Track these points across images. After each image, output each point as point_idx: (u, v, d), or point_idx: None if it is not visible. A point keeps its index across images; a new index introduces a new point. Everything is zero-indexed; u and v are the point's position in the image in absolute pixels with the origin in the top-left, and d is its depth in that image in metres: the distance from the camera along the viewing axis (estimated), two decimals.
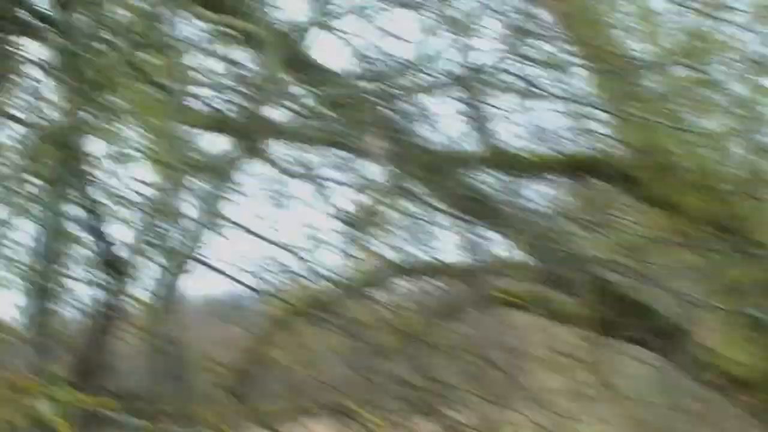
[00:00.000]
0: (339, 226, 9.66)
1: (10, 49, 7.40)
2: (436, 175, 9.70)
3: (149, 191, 8.07)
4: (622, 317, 10.80)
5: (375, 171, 9.70)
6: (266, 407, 9.29)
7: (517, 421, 10.89)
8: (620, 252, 10.93)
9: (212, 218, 8.28)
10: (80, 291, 7.68)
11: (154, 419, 7.68)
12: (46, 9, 7.36)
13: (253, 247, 9.08)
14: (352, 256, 9.68)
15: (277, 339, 10.00)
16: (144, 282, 7.81)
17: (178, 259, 7.73)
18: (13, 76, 7.35)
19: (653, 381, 12.18)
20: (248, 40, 8.47)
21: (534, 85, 10.15)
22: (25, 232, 7.28)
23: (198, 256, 8.15)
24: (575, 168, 10.91)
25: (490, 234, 10.37)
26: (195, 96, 8.55)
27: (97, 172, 7.78)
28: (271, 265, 9.36)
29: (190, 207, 8.11)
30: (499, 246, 10.62)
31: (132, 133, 8.03)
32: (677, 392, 11.62)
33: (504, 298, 10.66)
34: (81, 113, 7.20)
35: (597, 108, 10.70)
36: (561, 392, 11.45)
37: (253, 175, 9.43)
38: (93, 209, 7.49)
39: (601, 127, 11.14)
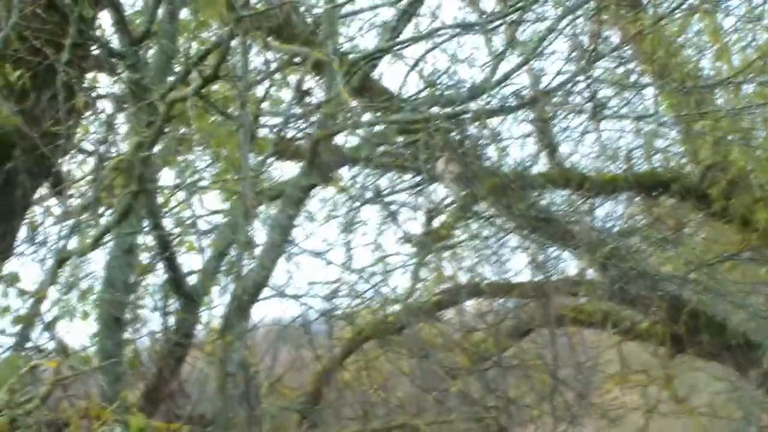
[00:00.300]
0: (409, 249, 9.55)
1: (84, 84, 7.36)
2: (506, 196, 9.54)
3: (220, 220, 8.04)
4: (695, 333, 10.57)
5: (445, 194, 9.58)
6: (338, 429, 9.18)
7: None
8: (692, 268, 10.70)
9: (283, 244, 8.19)
10: (152, 319, 7.66)
11: None
12: (118, 45, 7.30)
13: (323, 271, 9.00)
14: (422, 278, 9.56)
15: (348, 362, 9.89)
16: (215, 309, 7.76)
17: (248, 286, 7.64)
18: (86, 111, 7.30)
19: (726, 396, 11.91)
20: (318, 68, 8.38)
21: (603, 106, 9.96)
22: (98, 262, 7.26)
23: (269, 282, 8.06)
24: (646, 186, 10.70)
25: (561, 253, 10.21)
26: (265, 125, 8.48)
27: (168, 202, 7.75)
28: (342, 290, 9.27)
29: (261, 233, 8.06)
30: (570, 265, 10.46)
31: (203, 163, 7.99)
32: (750, 406, 11.32)
33: (575, 316, 10.47)
34: (153, 145, 7.12)
35: (667, 126, 10.47)
36: (634, 409, 11.24)
37: (324, 201, 9.37)
38: (164, 239, 7.42)
39: (672, 145, 10.93)
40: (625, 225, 10.92)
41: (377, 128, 8.92)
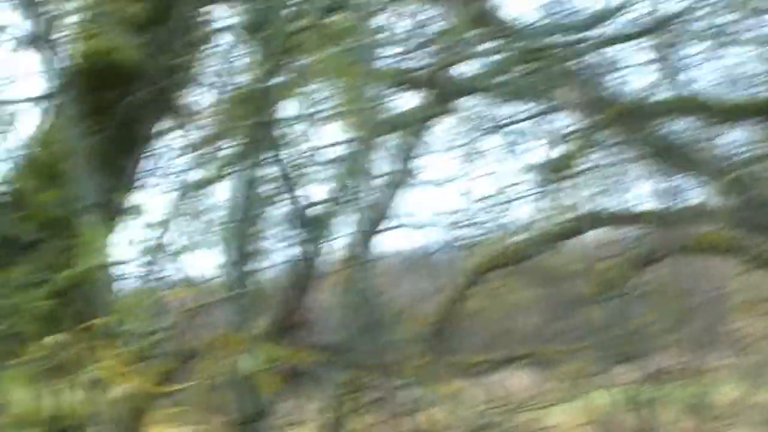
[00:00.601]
0: (532, 178, 9.27)
1: (204, 17, 7.21)
2: (629, 124, 9.19)
3: (342, 150, 7.85)
4: None
5: (567, 122, 9.26)
6: (464, 359, 8.98)
7: (719, 366, 10.36)
8: None
9: (405, 174, 8.01)
10: (278, 249, 7.54)
11: (354, 372, 7.48)
12: None
13: (446, 201, 8.80)
14: (546, 207, 9.28)
15: (473, 291, 9.64)
16: (340, 239, 7.63)
17: (372, 216, 7.48)
18: (206, 44, 7.16)
19: None
20: None
21: (726, 31, 9.53)
22: (224, 193, 7.13)
23: (392, 212, 7.89)
24: None
25: (686, 181, 9.83)
26: (385, 55, 8.24)
27: (290, 134, 7.58)
28: (465, 219, 9.04)
29: (382, 164, 7.88)
30: (696, 192, 10.08)
31: (323, 94, 7.79)
32: None
33: (701, 244, 10.09)
34: (273, 76, 6.95)
35: None
36: (762, 337, 10.83)
37: (445, 130, 9.12)
38: (288, 170, 7.26)
39: None
40: (751, 152, 10.48)
41: (497, 57, 8.65)
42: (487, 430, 8.78)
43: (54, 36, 6.43)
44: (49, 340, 5.80)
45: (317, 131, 7.58)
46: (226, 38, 7.26)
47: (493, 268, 9.41)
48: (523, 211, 9.33)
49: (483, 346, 9.22)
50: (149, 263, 6.65)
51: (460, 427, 8.71)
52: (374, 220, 7.59)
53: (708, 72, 9.98)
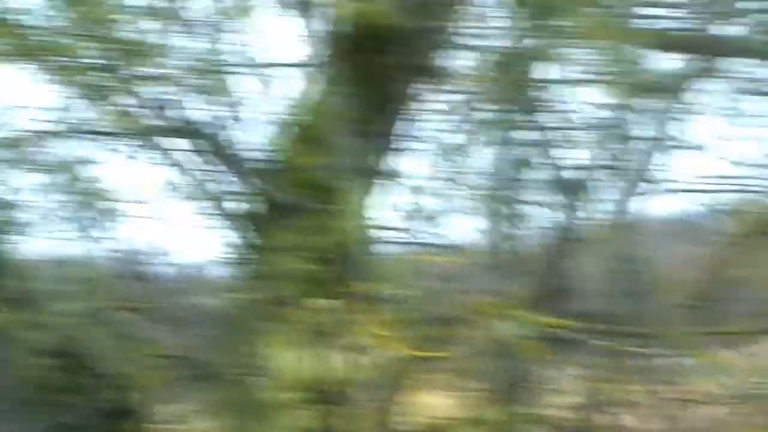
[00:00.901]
0: None
1: None
2: None
3: (602, 114, 7.36)
4: None
5: None
6: (728, 327, 8.36)
7: None
8: None
9: (666, 138, 7.47)
10: (538, 214, 7.16)
11: (617, 340, 7.02)
12: None
13: (710, 165, 8.19)
14: None
15: (737, 258, 8.98)
16: (601, 204, 7.19)
17: (634, 180, 6.98)
18: (464, 5, 6.76)
19: None
20: None
21: None
22: (483, 158, 6.77)
23: (654, 176, 7.37)
24: None
25: None
26: (646, 16, 7.68)
27: (549, 97, 7.13)
28: (729, 183, 8.40)
29: (643, 128, 7.36)
30: None
31: (583, 56, 7.31)
32: None
33: None
34: (531, 39, 6.52)
35: None
36: None
37: (708, 92, 8.49)
38: (546, 133, 6.83)
39: None
40: None
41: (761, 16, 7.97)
42: (753, 401, 8.19)
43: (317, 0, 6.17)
44: (312, 304, 5.57)
45: (577, 94, 7.13)
46: None
47: (758, 234, 8.76)
48: None
49: (748, 314, 8.56)
50: (409, 228, 6.35)
51: (724, 397, 8.17)
52: (635, 184, 7.08)
53: None
